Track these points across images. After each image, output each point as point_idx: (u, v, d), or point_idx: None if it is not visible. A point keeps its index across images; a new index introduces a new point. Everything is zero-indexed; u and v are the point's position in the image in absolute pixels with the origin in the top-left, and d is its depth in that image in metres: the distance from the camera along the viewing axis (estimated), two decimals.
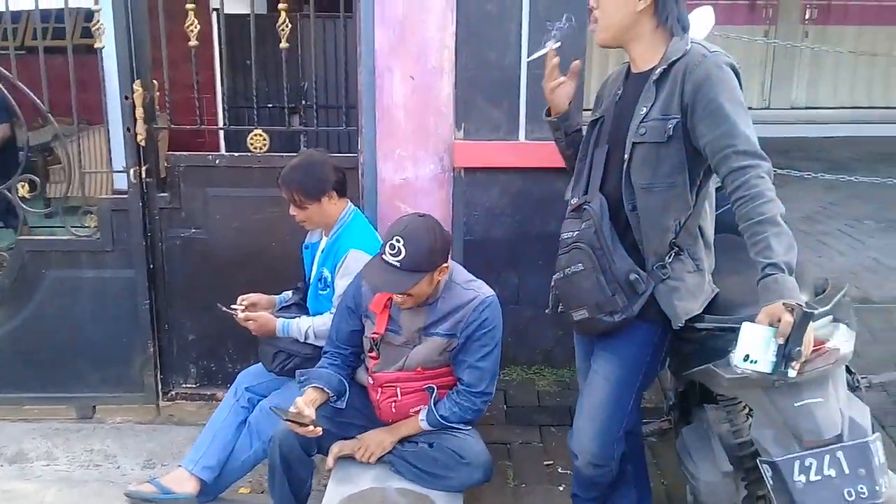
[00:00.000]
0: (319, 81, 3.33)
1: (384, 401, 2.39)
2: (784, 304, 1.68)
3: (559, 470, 2.69)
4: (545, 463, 2.75)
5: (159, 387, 3.37)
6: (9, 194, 3.23)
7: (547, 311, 2.21)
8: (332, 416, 2.37)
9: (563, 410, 3.07)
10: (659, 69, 1.92)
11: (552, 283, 2.13)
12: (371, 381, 2.41)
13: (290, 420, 2.19)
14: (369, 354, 2.38)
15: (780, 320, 1.67)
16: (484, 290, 2.34)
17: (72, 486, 2.84)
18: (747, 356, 1.68)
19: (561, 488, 2.59)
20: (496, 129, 3.24)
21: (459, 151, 3.22)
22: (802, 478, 1.77)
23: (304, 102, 3.36)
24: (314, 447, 2.36)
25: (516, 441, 2.88)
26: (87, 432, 3.24)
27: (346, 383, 2.39)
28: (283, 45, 3.09)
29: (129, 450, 3.10)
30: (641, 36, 1.96)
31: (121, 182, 3.29)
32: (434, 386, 2.36)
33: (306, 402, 2.25)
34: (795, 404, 1.83)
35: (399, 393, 2.37)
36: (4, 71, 3.10)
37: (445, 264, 2.26)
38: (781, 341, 1.66)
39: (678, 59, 1.90)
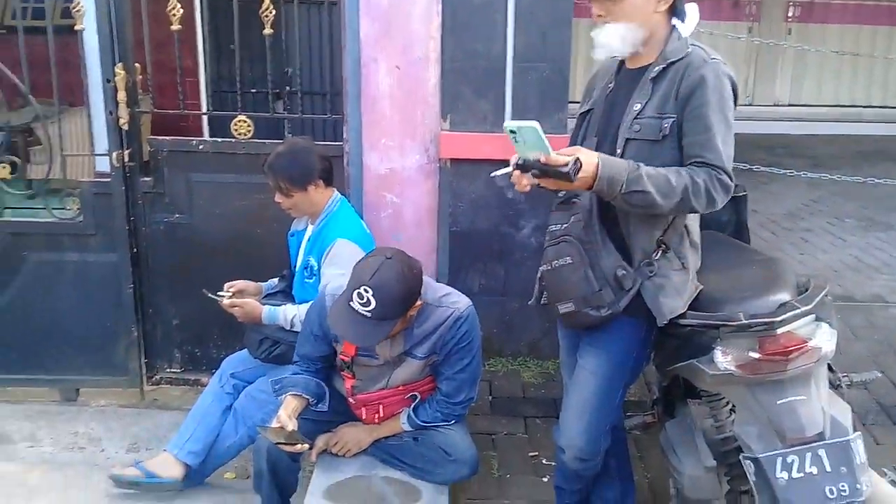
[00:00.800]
0: (304, 68, 3.31)
1: (368, 416, 2.38)
2: (581, 159, 1.77)
3: (543, 461, 2.71)
4: (530, 454, 2.76)
5: (144, 371, 3.35)
6: None
7: (530, 302, 2.21)
8: (315, 417, 2.34)
9: (547, 402, 3.09)
10: (658, 67, 1.93)
11: (539, 275, 2.14)
12: (353, 402, 2.37)
13: (279, 443, 2.14)
14: (344, 374, 2.34)
15: (572, 158, 1.76)
16: (459, 303, 2.26)
17: (56, 468, 2.81)
18: (515, 131, 1.75)
19: (545, 479, 2.60)
20: (482, 121, 3.23)
21: (446, 142, 3.21)
22: (785, 474, 1.80)
23: (288, 88, 3.33)
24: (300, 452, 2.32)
25: (501, 432, 2.89)
26: (71, 415, 3.21)
27: (325, 386, 2.35)
28: (267, 31, 3.06)
29: (114, 433, 3.08)
30: (651, 37, 1.96)
31: (102, 165, 3.25)
32: (418, 394, 2.35)
33: (288, 414, 2.20)
34: (778, 402, 1.86)
35: (382, 409, 2.36)
36: None
37: (419, 302, 2.17)
38: (542, 160, 1.75)
39: (678, 60, 1.91)
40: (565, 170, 1.76)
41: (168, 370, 3.41)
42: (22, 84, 3.08)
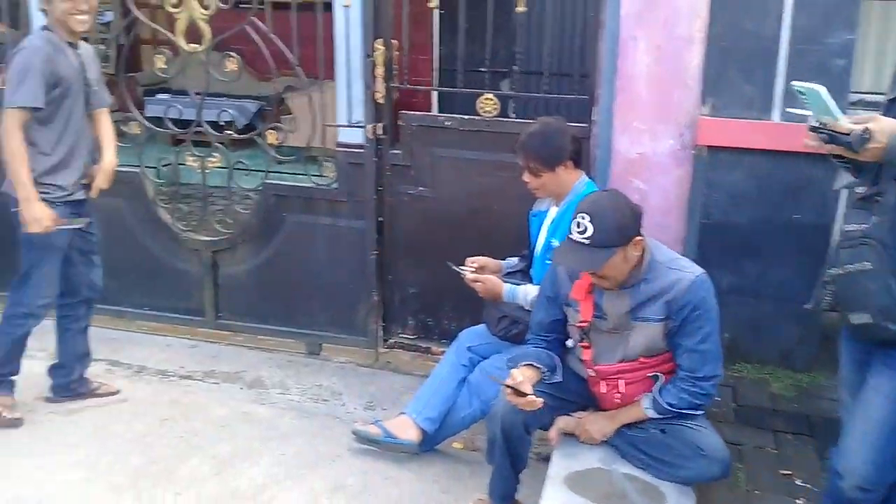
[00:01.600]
0: (536, 47, 3.25)
1: (609, 392, 2.32)
2: (872, 128, 1.65)
3: (797, 482, 2.47)
4: (781, 472, 2.53)
5: (380, 334, 3.52)
6: (259, 140, 3.47)
7: (807, 305, 2.00)
8: (551, 391, 2.31)
9: (801, 418, 2.82)
10: None
11: (826, 279, 1.92)
12: (593, 374, 2.32)
13: (509, 387, 2.15)
14: (581, 345, 2.30)
15: (860, 127, 1.67)
16: (693, 268, 2.19)
17: (303, 416, 3.03)
18: (804, 93, 1.75)
19: (799, 502, 2.38)
20: (747, 107, 2.99)
21: (704, 128, 3.01)
22: None
23: (515, 68, 3.30)
24: (534, 424, 2.32)
25: (748, 444, 2.68)
26: (315, 368, 3.45)
27: (556, 358, 2.34)
28: (520, 9, 3.04)
29: (352, 390, 3.26)
30: None
31: (345, 136, 3.40)
32: (659, 374, 2.25)
33: (521, 374, 2.21)
34: None
35: (622, 385, 2.28)
36: (260, 23, 3.29)
37: (638, 237, 2.14)
38: (829, 125, 1.71)
39: None
40: (846, 139, 1.69)
41: (401, 335, 3.55)
42: (292, 55, 3.30)
